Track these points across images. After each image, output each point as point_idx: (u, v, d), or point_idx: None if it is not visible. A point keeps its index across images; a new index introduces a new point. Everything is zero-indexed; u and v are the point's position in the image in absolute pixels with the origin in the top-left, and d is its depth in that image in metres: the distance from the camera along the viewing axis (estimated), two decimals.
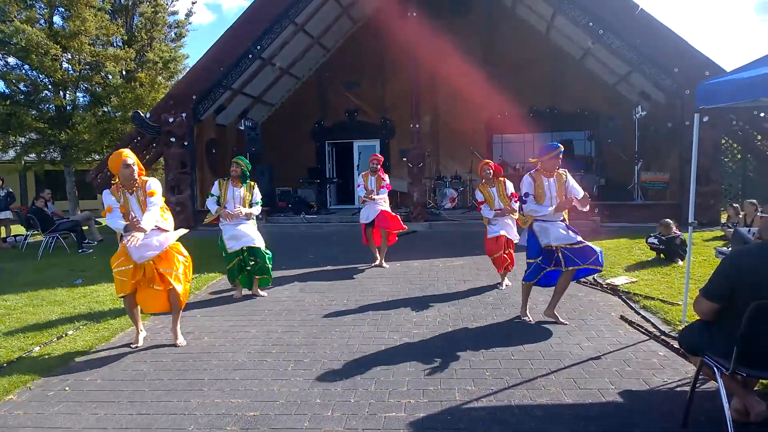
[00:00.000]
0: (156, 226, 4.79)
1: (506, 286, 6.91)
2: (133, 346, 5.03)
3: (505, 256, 6.77)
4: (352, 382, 4.04)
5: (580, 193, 5.22)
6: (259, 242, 6.60)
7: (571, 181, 5.32)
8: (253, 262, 6.64)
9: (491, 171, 6.83)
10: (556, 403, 3.62)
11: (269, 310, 6.19)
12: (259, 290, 6.88)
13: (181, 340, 5.04)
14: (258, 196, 6.80)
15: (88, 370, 4.46)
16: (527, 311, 5.55)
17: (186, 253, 5.08)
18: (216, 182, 6.75)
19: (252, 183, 6.78)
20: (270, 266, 6.75)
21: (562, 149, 5.23)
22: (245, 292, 6.87)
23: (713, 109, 7.60)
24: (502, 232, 6.66)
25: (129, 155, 4.79)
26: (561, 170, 5.32)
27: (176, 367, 4.49)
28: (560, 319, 5.35)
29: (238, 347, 4.93)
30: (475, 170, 15.92)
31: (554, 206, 5.15)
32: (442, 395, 3.76)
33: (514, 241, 6.75)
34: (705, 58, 12.02)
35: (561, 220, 5.27)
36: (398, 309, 6.05)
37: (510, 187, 6.82)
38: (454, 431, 3.27)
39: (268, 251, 6.72)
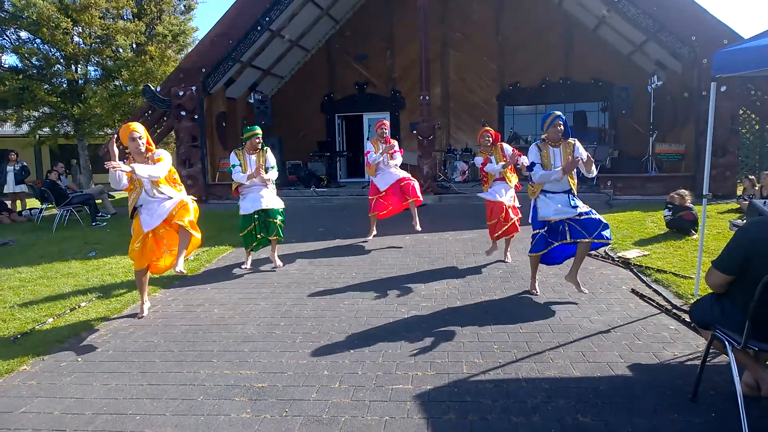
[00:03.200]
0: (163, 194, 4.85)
1: (508, 261, 6.84)
2: (138, 316, 5.13)
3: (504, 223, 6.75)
4: (359, 355, 4.05)
5: (584, 155, 5.07)
6: (275, 204, 6.64)
7: (580, 149, 5.19)
8: (265, 227, 6.68)
9: (490, 139, 6.73)
10: (564, 376, 3.61)
11: (278, 282, 6.22)
12: (277, 259, 6.92)
13: (179, 267, 4.90)
14: (272, 160, 6.75)
15: (100, 341, 4.53)
16: (536, 284, 5.50)
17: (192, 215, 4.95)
18: (232, 153, 6.73)
19: (266, 148, 6.76)
20: (281, 225, 6.76)
21: (557, 115, 5.12)
22: (252, 259, 6.99)
23: (731, 78, 7.42)
24: (499, 197, 6.60)
25: (136, 128, 4.78)
26: (571, 139, 5.20)
27: (186, 338, 4.54)
28: (581, 287, 5.30)
29: (247, 319, 4.96)
30: None
31: (561, 168, 5.05)
32: (450, 368, 3.77)
33: (515, 205, 6.71)
34: (724, 25, 11.69)
35: (567, 191, 5.17)
36: (407, 282, 6.05)
37: (508, 148, 6.71)
38: (461, 404, 3.27)
39: (281, 215, 6.74)
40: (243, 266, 6.91)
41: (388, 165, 8.05)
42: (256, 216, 6.63)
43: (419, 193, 8.14)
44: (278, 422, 3.14)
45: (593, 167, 5.04)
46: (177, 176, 5.06)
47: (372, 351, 4.12)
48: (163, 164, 4.78)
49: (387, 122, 8.27)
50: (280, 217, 6.71)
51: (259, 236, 6.74)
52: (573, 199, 5.16)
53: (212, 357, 4.12)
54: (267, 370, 3.84)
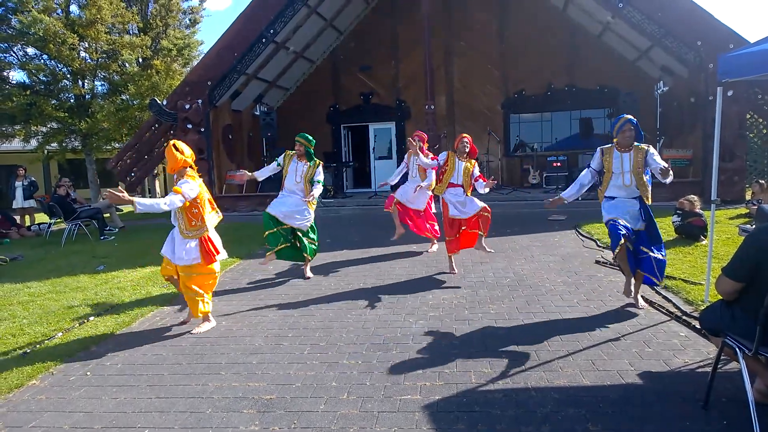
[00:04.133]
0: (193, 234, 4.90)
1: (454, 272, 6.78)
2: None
3: (469, 231, 6.69)
4: (367, 366, 4.04)
5: (662, 164, 4.82)
6: (304, 224, 6.63)
7: (654, 155, 4.94)
8: (294, 240, 6.73)
9: (468, 147, 6.60)
10: (574, 385, 3.58)
11: (286, 294, 6.22)
12: (307, 271, 6.93)
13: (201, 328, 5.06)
14: (320, 175, 6.67)
15: (108, 355, 4.53)
16: (638, 295, 5.17)
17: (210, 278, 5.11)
18: (284, 153, 6.77)
19: (318, 161, 6.73)
20: (315, 244, 6.85)
21: (627, 119, 4.96)
22: (272, 259, 6.89)
23: (738, 82, 7.39)
24: (458, 215, 6.55)
25: (169, 150, 4.77)
26: (643, 145, 5.00)
27: (194, 351, 4.54)
28: (639, 304, 5.10)
29: (255, 331, 4.96)
30: (493, 151, 15.86)
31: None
32: (458, 378, 3.75)
33: (480, 209, 6.55)
34: (729, 30, 11.68)
35: (636, 198, 5.02)
36: (414, 292, 6.04)
37: (477, 171, 6.63)
38: (470, 414, 3.25)
39: (313, 233, 6.77)
40: (262, 261, 6.94)
41: (417, 177, 7.97)
42: (284, 226, 6.63)
43: (428, 232, 8.15)
44: None
45: (669, 176, 4.73)
46: (200, 208, 4.89)
47: (380, 362, 4.10)
48: (174, 197, 4.61)
49: (423, 134, 8.06)
50: (311, 235, 6.77)
51: (291, 242, 6.74)
52: (642, 210, 5.00)
53: (220, 369, 4.12)
54: (275, 382, 3.83)
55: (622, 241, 4.75)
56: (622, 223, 4.84)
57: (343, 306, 5.64)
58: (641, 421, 3.08)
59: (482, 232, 6.66)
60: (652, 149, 5.01)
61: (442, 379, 3.74)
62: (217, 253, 5.03)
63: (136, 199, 4.32)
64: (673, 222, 8.10)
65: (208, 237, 4.97)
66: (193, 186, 4.77)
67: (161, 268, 5.15)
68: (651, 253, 4.96)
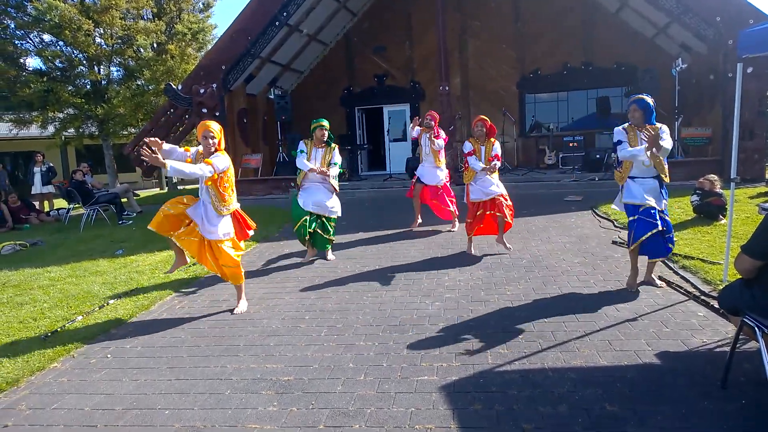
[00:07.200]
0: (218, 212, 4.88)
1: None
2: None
3: (491, 216, 6.73)
4: (384, 347, 4.06)
5: (668, 141, 4.76)
6: (335, 213, 6.81)
7: (665, 134, 4.85)
8: (321, 230, 6.78)
9: (484, 129, 6.62)
10: (591, 365, 3.57)
11: (302, 276, 6.26)
12: (329, 253, 7.01)
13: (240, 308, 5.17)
14: (337, 157, 6.78)
15: (128, 338, 4.61)
16: (636, 281, 5.11)
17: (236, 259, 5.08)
18: (301, 141, 6.79)
19: (333, 145, 6.77)
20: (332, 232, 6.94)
21: (635, 99, 4.94)
22: (312, 255, 7.04)
23: (757, 59, 7.22)
24: (481, 198, 6.61)
25: (212, 128, 4.79)
26: (657, 125, 4.94)
27: (212, 333, 4.59)
28: (656, 282, 5.12)
29: (272, 314, 5.01)
30: (508, 132, 15.71)
31: (645, 146, 4.78)
32: (475, 359, 3.75)
33: (501, 193, 6.60)
34: (749, 5, 11.38)
35: (656, 177, 4.95)
36: (430, 273, 6.04)
37: (497, 148, 6.63)
38: (487, 394, 3.26)
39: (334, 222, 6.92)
40: (304, 258, 6.97)
41: (431, 157, 8.20)
42: (315, 216, 6.70)
43: (451, 211, 8.26)
44: (305, 415, 3.16)
45: (664, 151, 4.72)
46: (229, 183, 4.93)
47: (396, 343, 4.12)
48: (204, 167, 4.61)
49: (435, 114, 8.38)
50: (333, 222, 6.90)
51: (310, 231, 6.74)
52: (663, 189, 4.97)
53: (238, 351, 4.17)
54: (293, 364, 3.87)
55: (653, 231, 4.78)
56: (654, 212, 4.83)
57: (360, 288, 5.67)
58: (659, 400, 3.07)
59: (508, 218, 6.66)
60: (664, 127, 4.93)
61: (459, 360, 3.75)
62: (250, 228, 5.17)
63: (168, 161, 4.39)
64: (692, 201, 7.97)
65: (240, 212, 5.09)
66: (225, 159, 4.82)
67: (160, 223, 5.14)
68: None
